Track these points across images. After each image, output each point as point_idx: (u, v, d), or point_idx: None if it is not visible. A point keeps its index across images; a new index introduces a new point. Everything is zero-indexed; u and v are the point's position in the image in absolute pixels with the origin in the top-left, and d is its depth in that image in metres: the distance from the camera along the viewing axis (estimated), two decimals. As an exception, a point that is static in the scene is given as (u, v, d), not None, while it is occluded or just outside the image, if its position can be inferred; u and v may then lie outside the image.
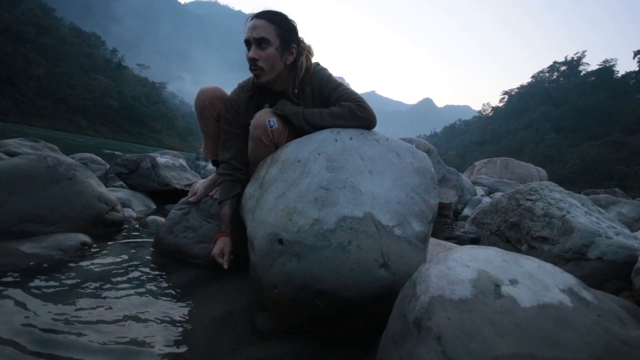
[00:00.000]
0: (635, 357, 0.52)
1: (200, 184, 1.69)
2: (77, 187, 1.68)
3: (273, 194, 1.16)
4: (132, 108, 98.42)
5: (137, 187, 2.71)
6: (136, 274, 1.26)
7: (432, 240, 1.56)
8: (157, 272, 1.32)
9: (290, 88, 1.40)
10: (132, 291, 1.11)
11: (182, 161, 3.24)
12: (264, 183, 1.27)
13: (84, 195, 1.67)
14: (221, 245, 1.33)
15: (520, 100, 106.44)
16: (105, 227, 1.73)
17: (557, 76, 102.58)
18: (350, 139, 1.22)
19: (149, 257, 1.46)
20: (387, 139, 1.28)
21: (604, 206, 3.91)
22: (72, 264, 1.25)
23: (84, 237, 1.45)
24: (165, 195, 2.75)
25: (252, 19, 1.35)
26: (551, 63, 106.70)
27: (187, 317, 1.01)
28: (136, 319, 0.95)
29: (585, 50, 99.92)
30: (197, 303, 1.11)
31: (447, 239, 2.04)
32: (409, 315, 0.63)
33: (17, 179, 1.55)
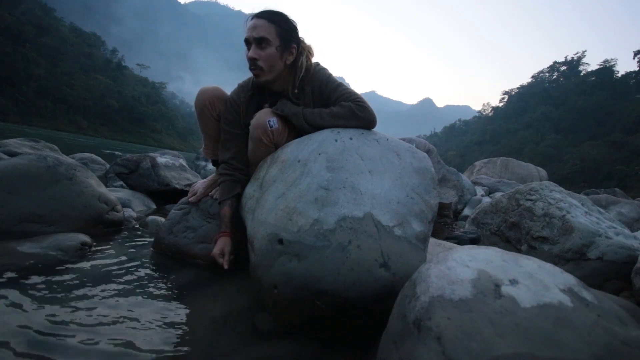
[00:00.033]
0: (635, 357, 0.52)
1: (200, 184, 1.69)
2: (77, 187, 1.68)
3: (273, 194, 1.16)
4: (132, 108, 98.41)
5: (137, 187, 2.71)
6: (136, 274, 1.26)
7: (432, 240, 1.56)
8: (157, 272, 1.32)
9: (290, 88, 1.40)
10: (132, 291, 1.11)
11: (182, 161, 3.24)
12: (264, 183, 1.27)
13: (84, 195, 1.67)
14: (221, 246, 1.33)
15: (520, 100, 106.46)
16: (105, 227, 1.73)
17: (557, 76, 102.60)
18: (350, 139, 1.22)
19: (149, 257, 1.46)
20: (387, 139, 1.28)
21: (604, 206, 3.91)
22: (72, 264, 1.25)
23: (84, 237, 1.45)
24: (165, 195, 2.75)
25: (252, 18, 1.35)
26: (551, 63, 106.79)
27: (187, 317, 1.01)
28: (136, 319, 0.95)
29: (585, 50, 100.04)
30: (197, 303, 1.11)
31: (447, 239, 2.04)
32: (409, 315, 0.63)
33: (17, 179, 1.55)
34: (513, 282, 0.61)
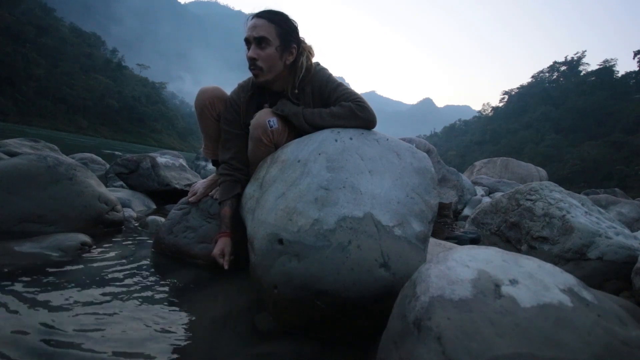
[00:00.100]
0: (635, 357, 0.52)
1: (200, 184, 1.69)
2: (77, 187, 1.68)
3: (273, 194, 1.16)
4: (132, 108, 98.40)
5: (137, 187, 2.71)
6: (136, 274, 1.26)
7: (432, 240, 1.56)
8: (157, 272, 1.32)
9: (289, 88, 1.39)
10: (131, 291, 1.11)
11: (182, 161, 3.24)
12: (264, 183, 1.27)
13: (84, 195, 1.67)
14: (221, 246, 1.33)
15: (520, 100, 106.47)
16: (105, 227, 1.73)
17: (557, 76, 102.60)
18: (350, 139, 1.22)
19: (149, 257, 1.46)
20: (387, 139, 1.28)
21: (604, 206, 3.91)
22: (72, 264, 1.25)
23: (84, 237, 1.45)
24: (165, 195, 2.75)
25: (252, 18, 1.35)
26: (551, 63, 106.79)
27: (187, 317, 1.01)
28: (136, 319, 0.95)
29: (585, 50, 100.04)
30: (197, 303, 1.11)
31: (447, 239, 2.05)
32: (409, 315, 0.63)
33: (17, 179, 1.55)
34: (513, 282, 0.61)
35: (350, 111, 1.28)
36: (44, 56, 75.45)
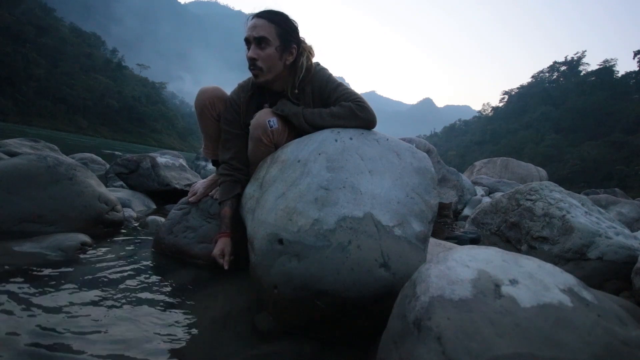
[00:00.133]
0: (635, 357, 0.51)
1: (200, 184, 1.69)
2: (77, 187, 1.68)
3: (273, 194, 1.16)
4: (132, 108, 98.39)
5: (137, 187, 2.71)
6: (136, 274, 1.26)
7: (432, 240, 1.56)
8: (157, 272, 1.32)
9: (289, 88, 1.39)
10: (131, 291, 1.11)
11: (182, 161, 3.24)
12: (264, 183, 1.27)
13: (84, 195, 1.67)
14: (221, 246, 1.33)
15: (520, 100, 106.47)
16: (105, 227, 1.73)
17: (557, 76, 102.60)
18: (350, 139, 1.22)
19: (149, 257, 1.46)
20: (387, 139, 1.28)
21: (604, 206, 3.91)
22: (72, 264, 1.25)
23: (84, 237, 1.45)
24: (165, 195, 2.75)
25: (252, 18, 1.35)
26: (551, 63, 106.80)
27: (187, 318, 1.01)
28: (135, 319, 0.95)
29: (585, 50, 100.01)
30: (197, 303, 1.11)
31: (447, 239, 2.05)
32: (409, 315, 0.63)
33: (17, 179, 1.55)
34: (513, 282, 0.61)
35: (350, 111, 1.28)
36: (44, 56, 75.45)
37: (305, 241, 0.97)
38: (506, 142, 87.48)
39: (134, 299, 1.07)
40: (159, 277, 1.27)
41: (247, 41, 1.35)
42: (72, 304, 0.97)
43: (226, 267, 1.29)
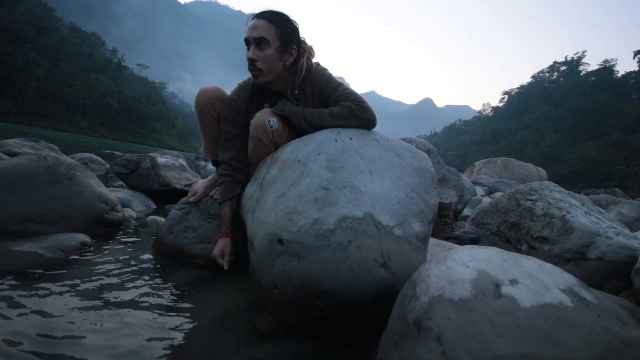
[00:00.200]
0: (635, 357, 0.52)
1: (200, 184, 1.69)
2: (77, 187, 1.68)
3: (273, 194, 1.16)
4: (132, 108, 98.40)
5: (137, 187, 2.71)
6: (136, 274, 1.26)
7: (432, 240, 1.56)
8: (157, 272, 1.32)
9: (289, 89, 1.39)
10: (131, 291, 1.11)
11: (182, 161, 3.24)
12: (264, 183, 1.27)
13: (84, 195, 1.67)
14: (221, 246, 1.33)
15: (520, 100, 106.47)
16: (105, 227, 1.73)
17: (557, 76, 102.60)
18: (350, 139, 1.22)
19: (149, 257, 1.46)
20: (387, 139, 1.28)
21: (604, 206, 3.91)
22: (72, 264, 1.25)
23: (84, 237, 1.45)
24: (165, 195, 2.75)
25: (252, 18, 1.35)
26: (551, 63, 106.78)
27: (187, 318, 1.01)
28: (135, 319, 0.95)
29: (585, 50, 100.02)
30: (196, 303, 1.11)
31: (447, 239, 2.05)
32: (409, 315, 0.63)
33: (17, 179, 1.55)
34: (513, 282, 0.61)
35: (350, 111, 1.28)
36: (44, 56, 75.45)
37: (305, 241, 0.97)
38: (506, 142, 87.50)
39: (134, 299, 1.07)
40: (159, 277, 1.27)
41: (247, 42, 1.35)
42: (71, 304, 0.97)
43: (226, 267, 1.29)
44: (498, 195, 2.96)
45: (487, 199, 4.13)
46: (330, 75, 1.42)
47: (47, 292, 1.02)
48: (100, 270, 1.24)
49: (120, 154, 9.18)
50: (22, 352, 0.74)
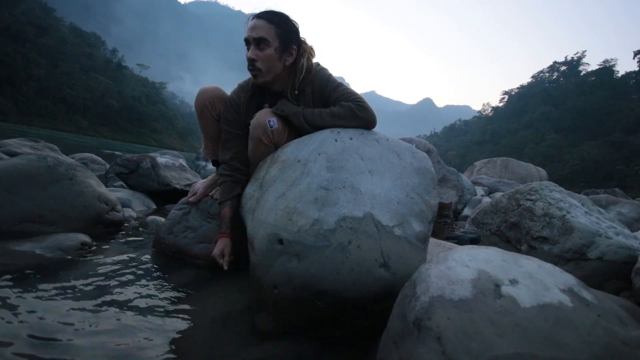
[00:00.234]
0: (635, 357, 0.51)
1: (200, 184, 1.69)
2: (77, 187, 1.68)
3: (273, 194, 1.16)
4: (132, 108, 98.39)
5: (137, 187, 2.71)
6: (136, 274, 1.26)
7: (432, 240, 1.56)
8: (157, 272, 1.32)
9: (289, 89, 1.39)
10: (131, 291, 1.11)
11: (182, 161, 3.24)
12: (264, 183, 1.27)
13: (84, 195, 1.67)
14: (221, 246, 1.33)
15: (520, 100, 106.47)
16: (105, 227, 1.73)
17: (557, 76, 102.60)
18: (350, 139, 1.22)
19: (149, 257, 1.46)
20: (387, 139, 1.28)
21: (604, 206, 3.91)
22: (72, 264, 1.25)
23: (84, 237, 1.45)
24: (165, 195, 2.75)
25: (252, 18, 1.35)
26: (551, 63, 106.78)
27: (187, 317, 1.01)
28: (135, 319, 0.95)
29: (585, 50, 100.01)
30: (196, 303, 1.11)
31: (447, 239, 2.05)
32: (409, 315, 0.63)
33: (17, 179, 1.55)
34: (513, 282, 0.61)
35: (350, 111, 1.28)
36: (44, 56, 75.45)
37: (305, 241, 0.97)
38: (506, 142, 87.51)
39: (134, 299, 1.07)
40: (159, 277, 1.27)
41: (247, 42, 1.35)
42: (70, 304, 0.97)
43: (226, 267, 1.29)
44: (498, 195, 2.96)
45: (487, 199, 4.13)
46: (330, 75, 1.42)
47: (47, 292, 1.02)
48: (100, 270, 1.24)
49: (120, 154, 9.18)
50: (15, 355, 0.73)
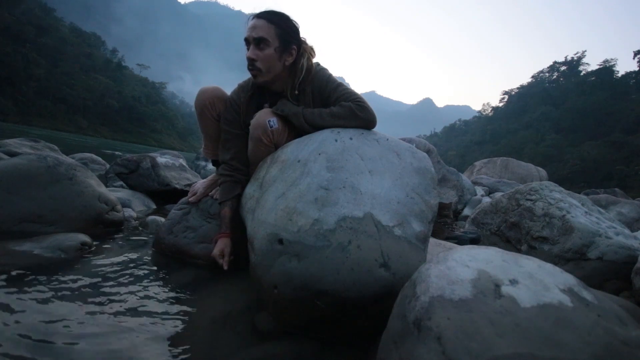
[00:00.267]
0: (635, 357, 0.52)
1: (200, 184, 1.69)
2: (77, 187, 1.68)
3: (273, 194, 1.16)
4: (132, 108, 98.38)
5: (137, 187, 2.71)
6: (136, 274, 1.26)
7: (432, 240, 1.56)
8: (157, 272, 1.32)
9: (289, 89, 1.39)
10: (131, 291, 1.11)
11: (182, 161, 3.24)
12: (264, 183, 1.27)
13: (84, 195, 1.67)
14: (221, 246, 1.33)
15: (520, 100, 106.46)
16: (105, 227, 1.73)
17: (557, 76, 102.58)
18: (350, 139, 1.22)
19: (149, 257, 1.46)
20: (387, 139, 1.28)
21: (604, 206, 3.91)
22: (72, 264, 1.25)
23: (84, 237, 1.45)
24: (165, 195, 2.75)
25: (252, 18, 1.35)
26: (551, 63, 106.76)
27: (187, 317, 1.01)
28: (135, 319, 0.95)
29: (585, 50, 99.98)
30: (196, 303, 1.11)
31: (447, 239, 2.05)
32: (409, 315, 0.63)
33: (17, 179, 1.55)
34: (513, 282, 0.61)
35: (350, 111, 1.28)
36: (44, 56, 75.44)
37: (305, 241, 0.97)
38: (506, 142, 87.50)
39: (134, 299, 1.07)
40: (159, 277, 1.27)
41: (247, 41, 1.35)
42: (70, 304, 0.97)
43: (226, 268, 1.29)
44: (498, 195, 2.96)
45: (487, 199, 4.13)
46: (330, 75, 1.42)
47: (46, 292, 1.02)
48: (100, 271, 1.24)
49: (120, 154, 9.18)
50: (13, 357, 0.73)
